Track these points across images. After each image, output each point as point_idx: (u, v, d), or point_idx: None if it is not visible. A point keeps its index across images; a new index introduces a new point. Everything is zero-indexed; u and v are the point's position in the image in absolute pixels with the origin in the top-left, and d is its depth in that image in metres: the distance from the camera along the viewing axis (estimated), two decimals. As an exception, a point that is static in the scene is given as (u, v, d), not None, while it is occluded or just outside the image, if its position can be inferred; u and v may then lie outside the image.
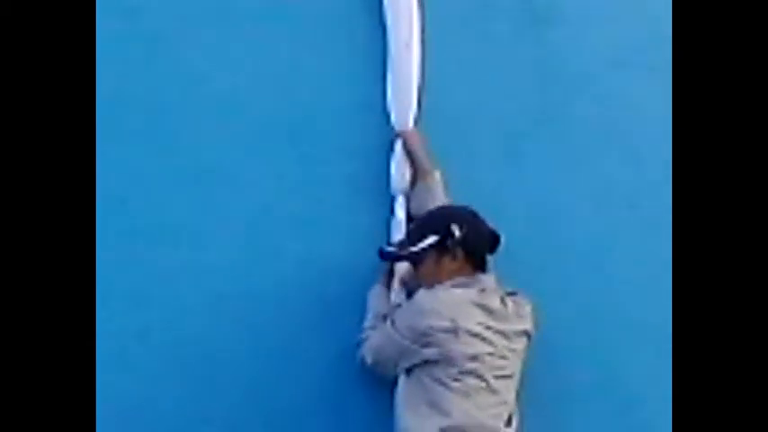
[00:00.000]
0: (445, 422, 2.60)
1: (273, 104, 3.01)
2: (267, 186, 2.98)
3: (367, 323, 2.84)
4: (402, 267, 2.89)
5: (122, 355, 2.85)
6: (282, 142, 3.00)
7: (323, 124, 3.02)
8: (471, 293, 2.70)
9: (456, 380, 2.62)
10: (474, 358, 2.62)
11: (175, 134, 2.97)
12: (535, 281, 2.90)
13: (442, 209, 2.83)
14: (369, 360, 2.77)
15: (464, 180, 2.96)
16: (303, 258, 2.97)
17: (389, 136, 2.98)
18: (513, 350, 2.71)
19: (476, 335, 2.64)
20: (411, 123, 2.98)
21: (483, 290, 2.72)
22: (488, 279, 2.77)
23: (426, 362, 2.64)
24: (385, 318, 2.79)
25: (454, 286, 2.72)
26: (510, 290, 2.79)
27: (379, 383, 2.80)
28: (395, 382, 2.74)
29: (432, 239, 2.74)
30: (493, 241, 2.80)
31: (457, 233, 2.73)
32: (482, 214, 2.79)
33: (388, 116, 2.99)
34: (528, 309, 2.79)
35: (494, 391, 2.65)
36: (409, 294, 2.84)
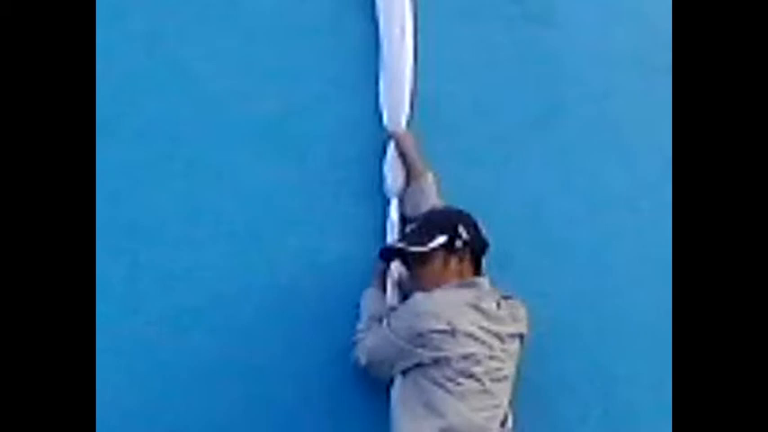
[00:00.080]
0: (441, 423, 2.60)
1: (268, 106, 3.01)
2: (263, 188, 2.98)
3: (361, 324, 2.84)
4: (397, 270, 2.89)
5: (121, 355, 2.84)
6: (278, 144, 3.00)
7: (317, 126, 3.02)
8: (468, 295, 2.70)
9: (452, 381, 2.62)
10: (471, 360, 2.63)
11: (173, 135, 2.98)
12: (532, 283, 2.91)
13: (445, 211, 2.83)
14: (363, 361, 2.77)
15: (459, 182, 2.96)
16: (298, 260, 2.97)
17: (383, 138, 2.98)
18: (509, 352, 2.72)
19: (472, 337, 2.64)
20: (404, 124, 2.98)
21: (480, 292, 2.73)
22: (485, 282, 2.78)
23: (423, 363, 2.65)
24: (380, 319, 2.79)
25: (457, 287, 2.72)
26: (505, 293, 2.79)
27: (375, 384, 2.80)
28: (390, 383, 2.74)
29: (442, 239, 2.74)
30: (485, 245, 2.81)
31: (465, 235, 2.74)
32: (477, 216, 2.80)
33: (381, 117, 2.99)
34: (522, 312, 2.80)
35: (489, 393, 2.65)
36: (404, 297, 2.85)
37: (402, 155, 2.96)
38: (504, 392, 2.71)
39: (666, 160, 2.68)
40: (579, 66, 3.11)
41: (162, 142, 2.96)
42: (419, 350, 2.64)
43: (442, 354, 2.62)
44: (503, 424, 2.69)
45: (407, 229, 2.85)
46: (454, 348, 2.62)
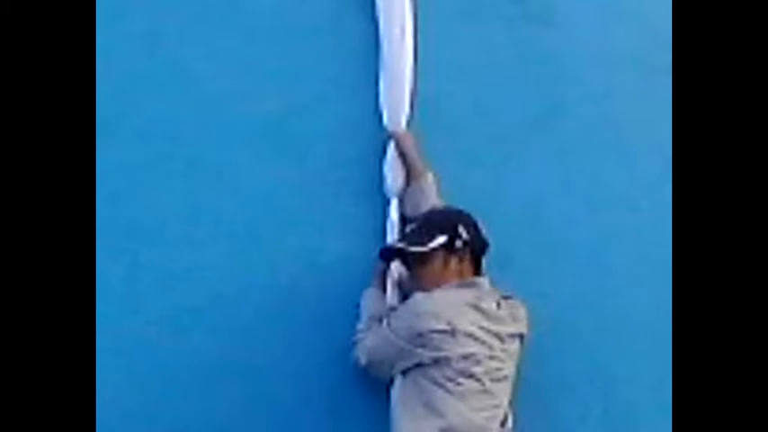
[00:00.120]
0: (441, 423, 2.60)
1: (268, 106, 3.01)
2: (263, 187, 2.98)
3: (361, 324, 2.83)
4: (396, 270, 2.89)
5: (121, 355, 2.84)
6: (278, 144, 3.00)
7: (317, 126, 3.02)
8: (468, 295, 2.70)
9: (452, 381, 2.62)
10: (471, 360, 2.63)
11: (173, 135, 2.97)
12: (532, 283, 2.91)
13: (445, 211, 2.83)
14: (363, 361, 2.77)
15: (459, 182, 2.96)
16: (298, 260, 2.97)
17: (383, 138, 2.98)
18: (509, 352, 2.72)
19: (473, 337, 2.64)
20: (403, 124, 2.98)
21: (480, 292, 2.73)
22: (485, 282, 2.78)
23: (423, 363, 2.65)
24: (380, 320, 2.79)
25: (457, 287, 2.72)
26: (504, 293, 2.79)
27: (375, 384, 2.80)
28: (390, 384, 2.74)
29: (442, 239, 2.74)
30: (485, 245, 2.81)
31: (464, 235, 2.74)
32: (477, 216, 2.81)
33: (381, 117, 2.99)
34: (522, 312, 2.80)
35: (489, 393, 2.65)
36: (403, 297, 2.85)
37: (402, 155, 2.96)
38: (504, 392, 2.71)
39: (666, 160, 2.68)
40: (579, 66, 3.11)
41: (162, 142, 2.96)
42: (419, 350, 2.64)
43: (442, 354, 2.62)
44: (503, 424, 2.70)
45: (407, 229, 2.85)
46: (454, 348, 2.62)
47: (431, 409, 2.62)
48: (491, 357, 2.66)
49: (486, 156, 3.05)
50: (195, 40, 3.00)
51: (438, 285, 2.73)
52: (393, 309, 2.81)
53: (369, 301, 2.86)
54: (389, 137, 2.98)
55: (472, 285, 2.74)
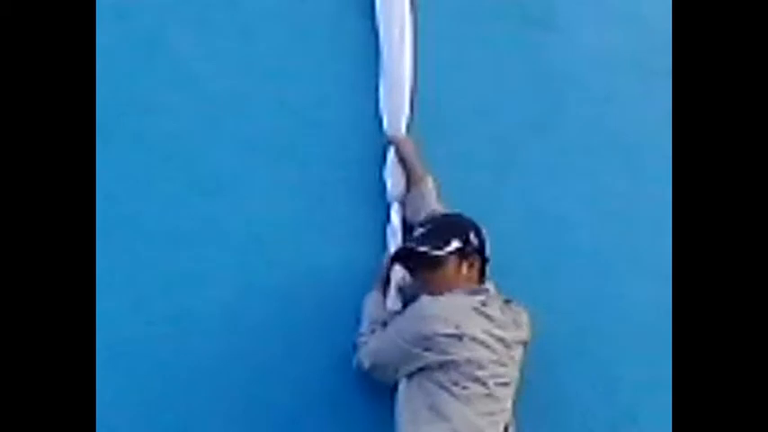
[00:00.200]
0: (446, 428, 2.60)
1: (269, 110, 3.01)
2: (263, 192, 2.97)
3: (363, 328, 2.83)
4: (399, 274, 2.88)
5: (121, 356, 2.83)
6: (279, 148, 3.00)
7: (318, 130, 3.02)
8: (474, 301, 2.70)
9: (458, 385, 2.62)
10: (477, 365, 2.63)
11: (173, 138, 2.96)
12: (533, 287, 2.91)
13: (453, 216, 2.83)
14: (366, 364, 2.77)
15: (459, 186, 2.96)
16: (300, 264, 2.96)
17: (384, 141, 2.98)
18: (513, 358, 2.72)
19: (479, 341, 2.64)
20: (403, 128, 2.98)
21: (485, 297, 2.73)
22: (491, 287, 2.78)
23: (428, 367, 2.64)
24: (383, 323, 2.79)
25: (464, 293, 2.72)
26: (506, 297, 2.79)
27: (378, 388, 2.79)
28: (394, 387, 2.73)
29: (457, 244, 2.74)
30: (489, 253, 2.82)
31: (475, 241, 2.74)
32: (478, 221, 2.80)
33: (381, 121, 2.99)
34: (525, 317, 2.80)
35: (494, 398, 2.65)
36: (405, 301, 2.85)
37: (402, 160, 2.96)
38: (507, 398, 2.71)
39: (666, 163, 2.67)
40: (579, 69, 3.12)
41: (162, 142, 2.95)
42: (425, 353, 2.64)
43: (448, 357, 2.62)
44: (506, 430, 2.69)
45: (418, 233, 2.81)
46: (461, 352, 2.62)
47: (436, 412, 2.62)
48: (496, 362, 2.66)
49: (487, 159, 3.06)
50: (195, 40, 3.00)
51: (449, 290, 2.72)
52: (396, 313, 2.81)
53: (371, 305, 2.85)
54: (389, 142, 2.98)
55: (479, 292, 2.75)
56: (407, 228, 2.92)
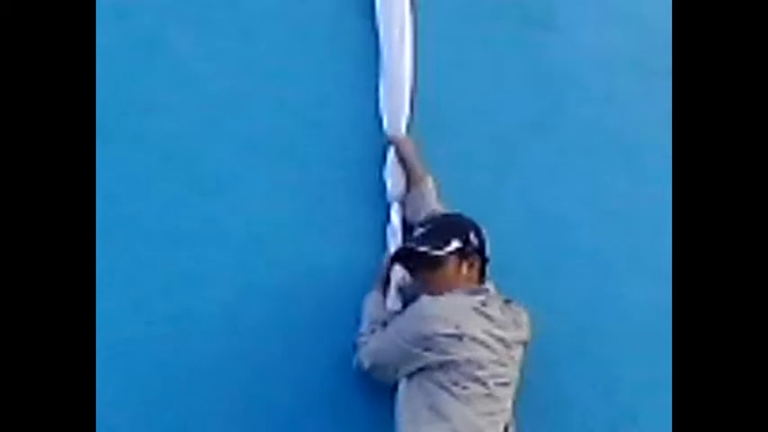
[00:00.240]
0: (446, 428, 2.60)
1: (269, 110, 3.00)
2: (263, 192, 2.97)
3: (363, 328, 2.83)
4: (398, 274, 2.88)
5: (122, 358, 2.83)
6: (279, 148, 3.00)
7: (318, 130, 3.02)
8: (474, 301, 2.70)
9: (458, 385, 2.62)
10: (477, 365, 2.63)
11: (173, 138, 2.96)
12: (532, 288, 2.91)
13: (453, 216, 2.83)
14: (366, 364, 2.77)
15: (459, 186, 2.96)
16: (300, 264, 2.96)
17: (384, 141, 2.98)
18: (513, 358, 2.73)
19: (479, 341, 2.64)
20: (403, 128, 2.98)
21: (485, 297, 2.73)
22: (491, 288, 2.78)
23: (428, 367, 2.64)
24: (383, 323, 2.79)
25: (464, 293, 2.72)
26: (506, 297, 2.79)
27: (378, 388, 2.79)
28: (394, 387, 2.73)
29: (457, 244, 2.74)
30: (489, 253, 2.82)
31: (475, 241, 2.74)
32: (477, 221, 2.81)
33: (381, 121, 2.99)
34: (524, 317, 2.80)
35: (494, 398, 2.65)
36: (405, 301, 2.85)
37: (402, 160, 2.96)
38: (507, 398, 2.71)
39: (666, 163, 2.67)
40: (579, 69, 3.12)
41: (162, 142, 2.95)
42: (425, 353, 2.64)
43: (448, 357, 2.62)
44: (506, 429, 2.70)
45: (418, 233, 2.80)
46: (461, 352, 2.62)
47: (436, 412, 2.62)
48: (496, 362, 2.66)
49: (487, 159, 3.06)
50: (195, 40, 3.00)
51: (449, 290, 2.72)
52: (396, 313, 2.81)
53: (371, 305, 2.85)
54: (389, 142, 2.98)
55: (479, 291, 2.75)
56: (407, 228, 2.92)
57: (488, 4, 3.12)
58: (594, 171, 3.08)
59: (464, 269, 2.76)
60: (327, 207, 2.99)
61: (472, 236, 2.76)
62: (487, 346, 2.65)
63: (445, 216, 2.84)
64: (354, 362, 2.82)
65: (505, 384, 2.70)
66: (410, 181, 2.96)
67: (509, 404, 2.72)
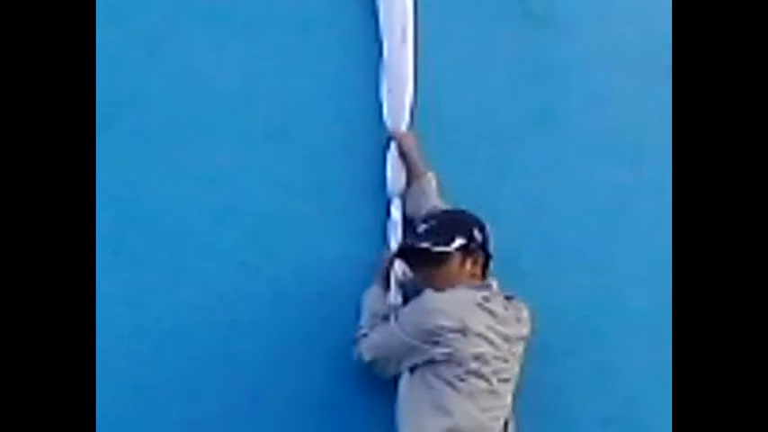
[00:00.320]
0: (448, 422, 2.61)
1: (269, 106, 3.00)
2: (264, 188, 2.98)
3: (363, 322, 2.83)
4: (399, 269, 2.89)
5: (121, 357, 2.84)
6: (279, 144, 2.99)
7: (320, 126, 3.01)
8: (477, 296, 2.71)
9: (462, 380, 2.63)
10: (480, 359, 2.64)
11: (173, 135, 2.96)
12: (533, 283, 2.92)
13: (457, 212, 2.83)
14: (367, 357, 2.77)
15: (459, 182, 2.96)
16: (300, 259, 2.97)
17: (385, 137, 2.98)
18: (514, 354, 2.74)
19: (482, 336, 2.65)
20: (404, 125, 2.97)
21: (488, 293, 2.73)
22: (494, 284, 2.78)
23: (432, 361, 2.65)
24: (384, 317, 2.79)
25: (468, 288, 2.73)
26: (507, 293, 2.80)
27: (378, 384, 2.80)
28: (395, 383, 2.74)
29: (462, 240, 2.74)
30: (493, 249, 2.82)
31: (479, 237, 2.74)
32: (478, 217, 2.81)
33: (382, 117, 2.99)
34: (525, 313, 2.81)
35: (496, 394, 2.67)
36: (405, 296, 2.86)
37: (403, 155, 2.96)
38: (508, 393, 2.72)
39: (667, 160, 2.67)
40: (580, 66, 3.10)
41: (161, 141, 2.95)
42: (429, 347, 2.65)
43: (452, 352, 2.63)
44: (505, 425, 2.71)
45: (422, 229, 2.79)
46: (465, 347, 2.63)
47: (438, 407, 2.63)
48: (499, 358, 2.68)
49: (487, 155, 3.06)
50: (196, 40, 2.98)
51: (451, 286, 2.73)
52: (398, 307, 2.81)
53: (371, 300, 2.85)
54: (391, 137, 2.98)
55: (482, 287, 2.75)
56: (408, 223, 2.92)
57: (489, 0, 3.11)
58: (595, 167, 3.08)
59: (468, 265, 2.76)
60: (328, 202, 2.99)
61: (476, 232, 2.77)
62: (490, 342, 2.66)
63: (449, 212, 2.84)
64: (354, 355, 2.82)
65: (507, 380, 2.71)
66: (411, 176, 2.96)
67: (509, 400, 2.73)
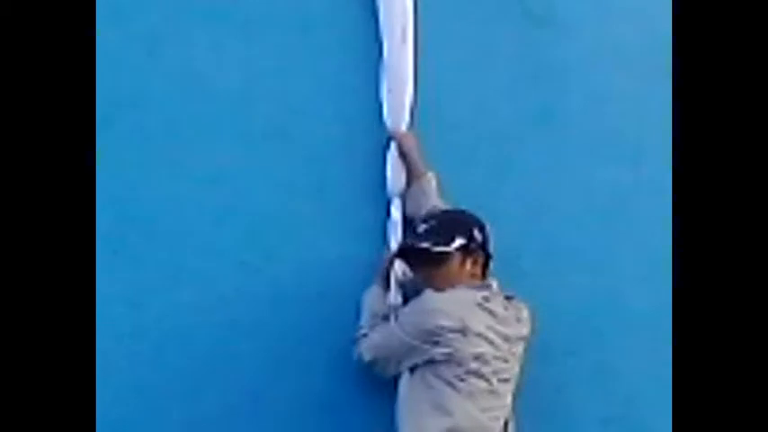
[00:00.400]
0: (448, 422, 2.61)
1: (270, 106, 3.00)
2: (264, 188, 2.98)
3: (363, 322, 2.83)
4: (399, 269, 2.89)
5: (121, 357, 2.85)
6: (279, 144, 2.99)
7: (319, 126, 3.01)
8: (477, 296, 2.71)
9: (462, 380, 2.63)
10: (480, 359, 2.64)
11: (173, 135, 2.96)
12: (531, 283, 2.92)
13: (458, 212, 2.83)
14: (367, 357, 2.77)
15: (459, 182, 2.96)
16: (300, 259, 2.97)
17: (385, 137, 2.98)
18: (514, 354, 2.74)
19: (482, 336, 2.65)
20: (404, 125, 2.97)
21: (488, 293, 2.73)
22: (494, 284, 2.78)
23: (432, 361, 2.65)
24: (384, 317, 2.79)
25: (468, 288, 2.73)
26: (507, 294, 2.80)
27: (378, 384, 2.80)
28: (395, 383, 2.74)
29: (462, 240, 2.74)
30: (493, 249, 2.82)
31: (479, 237, 2.74)
32: (478, 217, 2.81)
33: (382, 117, 2.99)
34: (525, 313, 2.81)
35: (496, 394, 2.67)
36: (405, 296, 2.86)
37: (403, 155, 2.96)
38: (508, 393, 2.72)
39: (667, 159, 2.66)
40: (580, 65, 3.10)
41: (161, 141, 2.95)
42: (430, 347, 2.65)
43: (452, 351, 2.63)
44: (506, 425, 2.71)
45: (422, 229, 2.79)
46: (465, 347, 2.63)
47: (438, 407, 2.63)
48: (499, 358, 2.68)
49: (487, 155, 3.06)
50: (196, 40, 2.98)
51: (452, 286, 2.73)
52: (398, 307, 2.81)
53: (371, 300, 2.86)
54: (391, 137, 2.97)
55: (482, 287, 2.75)
56: (408, 223, 2.92)
57: (489, 0, 3.11)
58: (595, 167, 3.08)
59: (468, 265, 2.76)
60: (328, 202, 3.00)
61: (476, 232, 2.77)
62: (491, 342, 2.66)
63: (449, 212, 2.84)
64: (354, 355, 2.82)
65: (507, 380, 2.71)
66: (411, 176, 2.96)
67: (509, 400, 2.73)
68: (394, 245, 2.92)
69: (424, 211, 2.87)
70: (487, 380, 2.65)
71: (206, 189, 2.95)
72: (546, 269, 3.01)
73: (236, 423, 2.88)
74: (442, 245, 2.73)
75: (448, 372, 2.64)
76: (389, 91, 2.98)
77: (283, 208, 2.98)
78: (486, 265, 2.81)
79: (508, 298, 2.79)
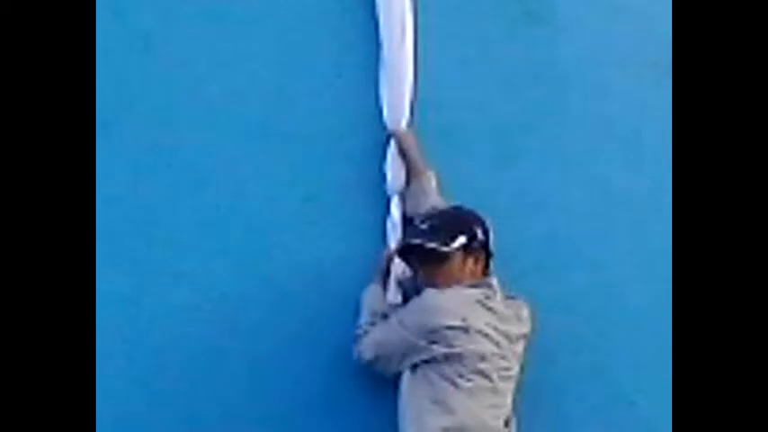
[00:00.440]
0: (450, 420, 2.61)
1: (268, 105, 3.00)
2: (263, 185, 2.98)
3: (363, 320, 2.83)
4: (399, 267, 2.89)
5: (120, 357, 2.85)
6: (278, 143, 2.99)
7: (319, 124, 3.01)
8: (478, 294, 2.71)
9: (464, 378, 2.63)
10: (482, 357, 2.64)
11: (173, 134, 2.96)
12: (532, 282, 2.92)
13: (459, 211, 2.82)
14: (368, 355, 2.77)
15: (459, 180, 2.96)
16: (300, 258, 2.97)
17: (385, 135, 2.98)
18: (515, 352, 2.74)
19: (485, 334, 2.65)
20: (404, 123, 2.97)
21: (489, 291, 2.73)
22: (494, 282, 2.78)
23: (434, 359, 2.65)
24: (384, 316, 2.79)
25: (469, 286, 2.73)
26: (508, 293, 2.80)
27: (378, 383, 2.80)
28: (395, 381, 2.74)
29: (463, 239, 2.74)
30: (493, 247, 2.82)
31: (480, 236, 2.74)
32: (479, 214, 2.80)
33: (382, 115, 2.98)
34: (525, 312, 2.81)
35: (497, 392, 2.67)
36: (404, 294, 2.86)
37: (403, 153, 2.96)
38: (509, 391, 2.72)
39: (667, 157, 2.67)
40: (580, 64, 3.10)
41: (161, 141, 2.95)
42: (431, 346, 2.65)
43: (454, 350, 2.63)
44: (506, 424, 2.71)
45: (423, 228, 2.78)
46: (467, 345, 2.63)
47: (440, 404, 2.63)
48: (500, 356, 2.68)
49: (486, 153, 3.05)
50: (195, 39, 2.99)
51: (452, 284, 2.73)
52: (397, 305, 2.82)
53: (370, 298, 2.86)
54: (390, 135, 2.98)
55: (483, 285, 2.75)
56: (408, 221, 2.92)
57: (489, 0, 3.11)
58: (594, 165, 3.07)
59: (469, 264, 2.76)
60: (327, 200, 2.99)
61: (478, 231, 2.76)
62: (492, 340, 2.67)
63: (450, 211, 2.83)
64: (354, 354, 2.82)
65: (508, 378, 2.71)
66: (411, 174, 2.96)
67: (510, 399, 2.73)
68: (393, 243, 2.91)
69: (423, 210, 2.87)
70: (489, 378, 2.65)
71: (205, 188, 2.95)
72: (545, 267, 3.01)
73: (236, 423, 2.88)
74: (444, 244, 2.73)
75: (450, 369, 2.64)
76: (389, 89, 2.98)
77: (282, 207, 2.97)
78: (486, 263, 2.81)
79: (508, 297, 2.79)
